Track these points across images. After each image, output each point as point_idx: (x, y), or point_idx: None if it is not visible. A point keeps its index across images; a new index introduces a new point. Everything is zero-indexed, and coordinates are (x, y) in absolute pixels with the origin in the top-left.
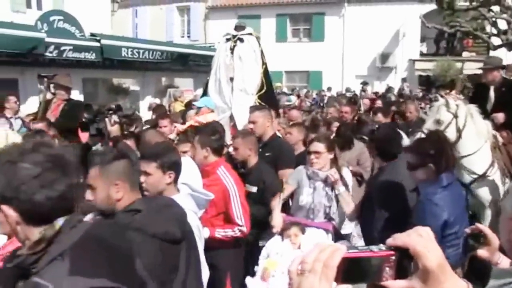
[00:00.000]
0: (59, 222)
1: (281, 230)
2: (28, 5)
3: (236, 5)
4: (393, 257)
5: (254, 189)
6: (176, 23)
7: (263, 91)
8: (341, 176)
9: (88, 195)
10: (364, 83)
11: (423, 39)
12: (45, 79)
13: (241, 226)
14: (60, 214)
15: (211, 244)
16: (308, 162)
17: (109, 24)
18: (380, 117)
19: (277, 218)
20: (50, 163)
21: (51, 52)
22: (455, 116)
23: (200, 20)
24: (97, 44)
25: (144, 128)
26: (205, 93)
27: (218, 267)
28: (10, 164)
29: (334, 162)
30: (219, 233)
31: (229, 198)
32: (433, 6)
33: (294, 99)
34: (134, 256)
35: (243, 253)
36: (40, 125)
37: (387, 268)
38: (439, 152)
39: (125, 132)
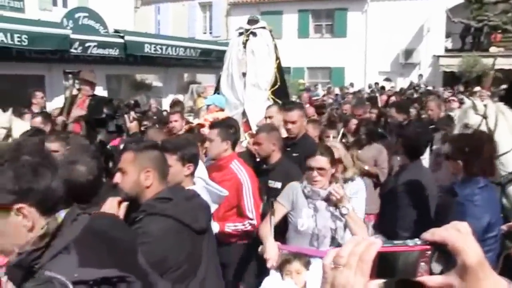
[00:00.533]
0: (61, 214)
1: (279, 265)
2: (54, 3)
3: (258, 1)
4: (429, 252)
5: (279, 185)
6: (198, 19)
7: (277, 86)
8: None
9: (117, 178)
10: (387, 80)
11: (448, 35)
12: (70, 75)
13: (251, 219)
14: (62, 205)
15: (223, 239)
16: (308, 179)
17: (132, 20)
18: (393, 112)
19: (271, 249)
20: (44, 155)
21: (76, 49)
22: (484, 117)
23: (222, 16)
24: (121, 40)
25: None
26: (217, 89)
27: (229, 262)
28: (13, 159)
29: (341, 172)
30: (229, 227)
31: (241, 191)
32: (459, 0)
33: (321, 94)
34: (135, 248)
35: (255, 248)
36: (38, 120)
37: (422, 263)
38: (474, 153)
39: (142, 129)
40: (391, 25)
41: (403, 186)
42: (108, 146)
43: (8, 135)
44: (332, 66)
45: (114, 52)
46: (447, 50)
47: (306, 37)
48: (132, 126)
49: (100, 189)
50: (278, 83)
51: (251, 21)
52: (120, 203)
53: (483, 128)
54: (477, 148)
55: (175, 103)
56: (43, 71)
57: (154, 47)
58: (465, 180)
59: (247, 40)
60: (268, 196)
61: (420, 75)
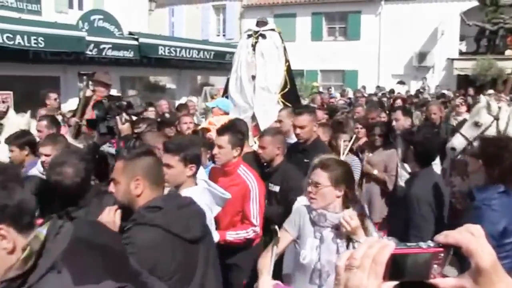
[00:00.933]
0: (42, 231)
1: None
2: (70, 6)
3: (272, 3)
4: (442, 254)
5: (277, 188)
6: (212, 21)
7: (287, 89)
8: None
9: (111, 188)
10: (401, 83)
11: (462, 38)
12: (85, 77)
13: (255, 226)
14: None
15: (226, 244)
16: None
17: (147, 23)
18: (399, 115)
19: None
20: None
21: (91, 51)
22: (496, 118)
23: (236, 19)
24: (135, 42)
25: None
26: (226, 92)
27: (233, 267)
28: None
29: (349, 199)
30: (231, 235)
31: (249, 197)
32: (474, 3)
33: (338, 96)
34: (125, 251)
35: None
36: (43, 123)
37: (435, 266)
38: (496, 157)
39: (135, 132)
40: (404, 28)
41: (416, 194)
42: (103, 148)
43: None
44: (345, 69)
45: (129, 54)
46: (461, 53)
47: (319, 40)
48: (124, 128)
49: (88, 192)
50: (288, 86)
51: (260, 23)
52: (116, 211)
53: (492, 129)
54: (499, 153)
55: (182, 106)
56: (59, 73)
57: (168, 49)
58: (485, 185)
59: (256, 43)
60: (268, 199)
61: (424, 78)
